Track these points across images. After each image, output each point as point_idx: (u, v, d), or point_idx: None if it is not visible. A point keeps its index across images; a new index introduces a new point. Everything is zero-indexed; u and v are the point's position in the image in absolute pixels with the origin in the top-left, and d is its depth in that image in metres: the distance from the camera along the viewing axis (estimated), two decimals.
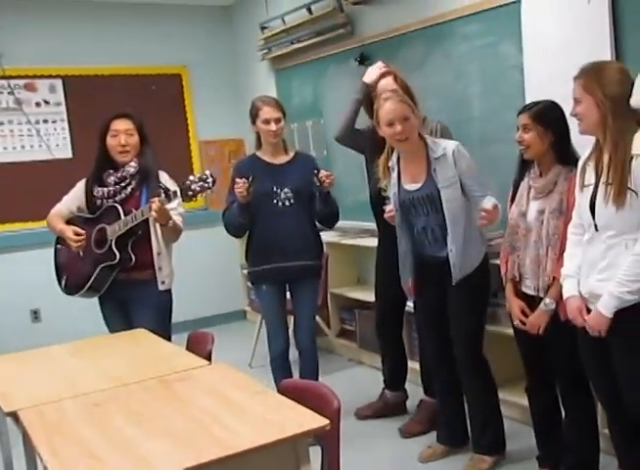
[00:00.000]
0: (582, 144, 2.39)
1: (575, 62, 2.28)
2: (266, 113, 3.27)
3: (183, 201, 2.99)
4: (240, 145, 5.94)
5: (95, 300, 3.32)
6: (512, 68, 3.39)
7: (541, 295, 2.53)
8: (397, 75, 3.25)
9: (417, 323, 3.40)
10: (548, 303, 2.49)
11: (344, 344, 4.72)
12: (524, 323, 2.59)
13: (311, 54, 4.88)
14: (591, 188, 2.24)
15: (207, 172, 2.96)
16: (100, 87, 5.30)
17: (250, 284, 4.13)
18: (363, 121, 3.49)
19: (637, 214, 2.11)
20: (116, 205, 3.14)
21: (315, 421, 1.81)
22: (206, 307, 5.66)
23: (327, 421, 1.80)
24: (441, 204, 2.78)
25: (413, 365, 3.69)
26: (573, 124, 2.37)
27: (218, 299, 5.80)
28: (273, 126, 3.27)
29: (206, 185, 2.92)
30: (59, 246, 3.39)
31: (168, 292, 3.26)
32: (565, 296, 2.35)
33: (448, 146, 2.78)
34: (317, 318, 4.06)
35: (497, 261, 2.79)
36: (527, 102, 2.75)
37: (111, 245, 3.11)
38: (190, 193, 2.92)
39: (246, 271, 3.84)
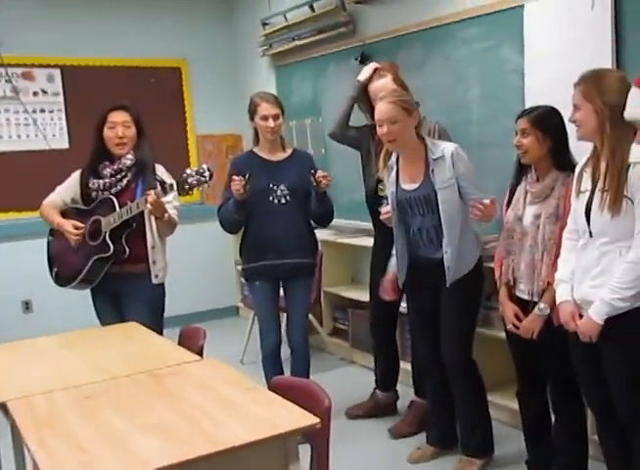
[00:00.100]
0: (580, 150, 2.40)
1: (576, 68, 2.29)
2: (264, 109, 3.26)
3: (179, 194, 2.98)
4: (237, 140, 5.92)
5: (87, 292, 3.31)
6: (512, 72, 3.39)
7: (535, 299, 2.54)
8: (397, 76, 3.26)
9: (410, 324, 3.40)
10: (542, 307, 2.49)
11: (337, 343, 4.72)
12: (517, 327, 2.59)
13: (312, 51, 4.88)
14: (587, 194, 2.25)
15: (205, 166, 2.95)
16: (98, 78, 5.28)
17: (243, 280, 4.12)
18: (362, 121, 3.49)
19: (632, 222, 2.12)
20: (112, 197, 3.13)
21: (306, 419, 1.81)
22: (199, 302, 5.65)
23: (317, 419, 1.80)
24: (438, 205, 2.78)
25: (405, 366, 3.69)
26: (572, 131, 2.39)
27: (211, 294, 5.79)
28: (271, 123, 3.26)
29: (203, 179, 2.92)
30: (52, 237, 3.38)
31: (161, 286, 3.25)
32: (558, 301, 2.36)
33: (447, 148, 2.78)
34: (310, 316, 4.05)
35: (492, 265, 2.79)
36: (527, 107, 2.76)
37: (105, 237, 3.10)
38: (186, 186, 2.91)
39: (240, 267, 3.83)
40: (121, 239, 3.11)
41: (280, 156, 3.37)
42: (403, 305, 3.43)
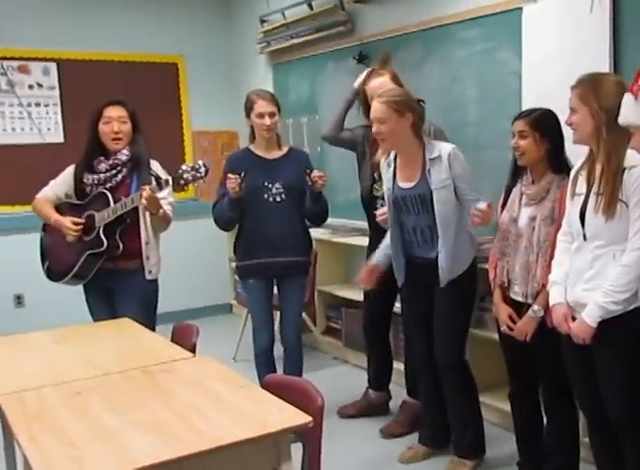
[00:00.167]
0: (576, 153, 2.40)
1: (574, 71, 2.30)
2: (261, 106, 3.25)
3: (175, 190, 2.98)
4: (233, 137, 5.91)
5: (79, 287, 3.30)
6: (510, 74, 3.40)
7: (529, 301, 2.54)
8: (394, 75, 3.27)
9: (404, 324, 3.41)
10: (536, 309, 2.50)
11: (330, 341, 4.72)
12: (511, 329, 2.59)
13: (310, 50, 4.87)
14: (582, 197, 2.26)
15: (200, 162, 2.94)
16: (94, 73, 5.25)
17: (237, 277, 4.12)
18: (358, 121, 3.49)
19: (626, 226, 2.13)
20: (106, 192, 3.12)
21: (298, 418, 1.81)
22: (192, 299, 5.64)
23: (310, 418, 1.80)
24: (433, 205, 2.78)
25: (398, 366, 3.70)
26: (567, 133, 2.39)
27: (205, 291, 5.78)
28: (267, 120, 3.25)
29: (199, 175, 2.91)
30: (44, 232, 3.36)
31: (155, 282, 3.24)
32: (551, 303, 2.37)
33: (445, 148, 2.78)
34: (303, 315, 4.05)
35: (486, 266, 2.80)
36: (524, 109, 2.76)
37: (98, 232, 3.09)
38: (182, 182, 2.90)
39: (234, 265, 3.83)
40: (115, 234, 3.10)
41: (276, 154, 3.36)
42: (397, 305, 3.44)
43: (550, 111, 2.53)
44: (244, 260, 3.39)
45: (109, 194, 3.10)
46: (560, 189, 2.48)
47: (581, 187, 2.27)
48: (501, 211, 2.68)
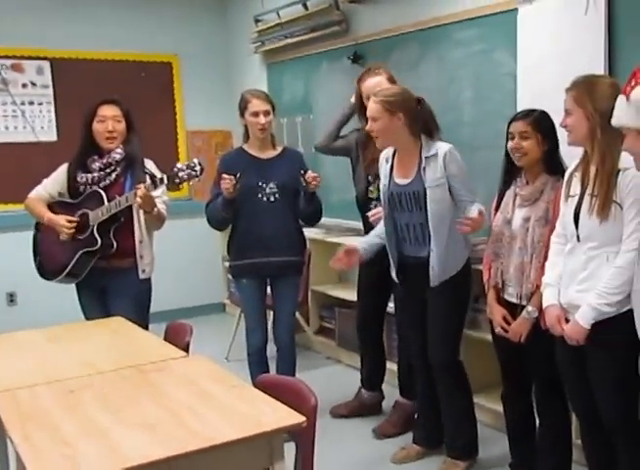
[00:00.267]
0: (571, 155, 2.41)
1: (569, 73, 2.30)
2: (255, 105, 3.25)
3: (169, 189, 2.97)
4: (227, 137, 5.91)
5: (72, 285, 3.29)
6: (505, 75, 3.40)
7: (524, 303, 2.54)
8: (391, 75, 3.28)
9: (398, 324, 3.41)
10: (531, 311, 2.50)
11: (323, 341, 4.71)
12: (506, 331, 2.59)
13: (305, 50, 4.87)
14: (576, 199, 2.26)
15: (195, 160, 2.94)
16: (89, 72, 5.24)
17: (230, 277, 4.11)
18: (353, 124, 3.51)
19: (620, 227, 2.14)
20: (100, 190, 3.11)
21: (292, 417, 1.81)
22: (186, 298, 5.63)
23: (303, 418, 1.80)
24: (426, 202, 2.79)
25: (390, 366, 3.70)
26: (561, 135, 2.40)
27: (198, 290, 5.77)
28: (262, 119, 3.25)
29: (194, 173, 2.91)
30: (37, 231, 3.35)
31: (148, 281, 3.24)
32: (544, 304, 2.37)
33: (441, 148, 2.79)
34: (297, 315, 4.04)
35: (480, 267, 2.80)
36: (519, 110, 2.77)
37: (92, 230, 3.09)
38: (177, 180, 2.90)
39: (227, 264, 3.82)
40: (109, 233, 3.09)
41: (270, 153, 3.36)
42: (391, 305, 3.44)
43: (545, 112, 2.54)
44: (237, 260, 3.38)
45: (103, 193, 3.09)
46: (554, 190, 2.48)
47: (575, 188, 2.28)
48: (494, 214, 2.69)
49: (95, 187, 3.13)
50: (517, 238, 2.55)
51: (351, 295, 3.99)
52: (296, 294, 3.52)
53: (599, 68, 2.84)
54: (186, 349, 2.54)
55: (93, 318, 3.11)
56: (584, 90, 2.20)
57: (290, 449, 1.93)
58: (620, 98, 1.98)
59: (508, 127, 2.56)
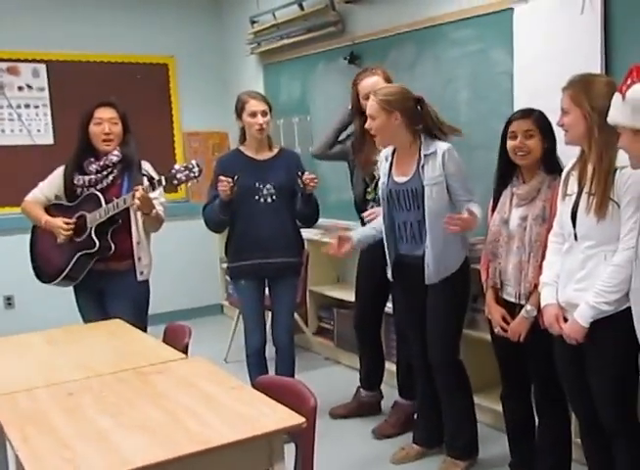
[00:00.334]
0: (567, 154, 2.41)
1: (565, 72, 2.30)
2: (253, 105, 3.25)
3: (167, 190, 2.97)
4: (224, 138, 5.90)
5: (70, 288, 3.28)
6: (502, 75, 3.40)
7: (522, 302, 2.54)
8: (387, 76, 3.28)
9: (396, 324, 3.41)
10: (529, 310, 2.50)
11: (322, 342, 4.71)
12: (505, 330, 2.59)
13: (301, 50, 4.87)
14: (573, 197, 2.26)
15: (194, 162, 2.94)
16: (85, 74, 5.23)
17: (228, 278, 4.11)
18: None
19: (617, 226, 2.13)
20: (97, 193, 3.11)
21: (291, 419, 1.81)
22: (184, 300, 5.62)
23: (303, 419, 1.80)
24: (424, 200, 2.79)
25: (389, 366, 3.70)
26: (558, 134, 2.40)
27: (196, 292, 5.76)
28: (260, 119, 3.25)
29: (192, 174, 2.91)
30: (34, 234, 3.34)
31: (146, 283, 3.24)
32: (542, 304, 2.37)
33: (440, 147, 2.80)
34: (295, 316, 4.05)
35: (478, 266, 2.80)
36: (515, 109, 2.77)
37: (90, 233, 3.08)
38: (175, 182, 2.90)
39: (225, 265, 3.82)
40: (107, 235, 3.09)
41: (266, 155, 3.36)
42: (389, 305, 3.44)
43: (542, 111, 2.53)
44: (235, 261, 3.38)
45: (100, 195, 3.09)
46: (551, 189, 2.48)
47: (573, 187, 2.28)
48: (491, 215, 2.69)
49: (92, 189, 3.13)
50: (514, 237, 2.56)
51: (349, 295, 3.99)
52: (294, 295, 3.52)
53: (595, 67, 2.85)
54: (185, 350, 2.53)
55: (91, 321, 3.10)
56: (581, 89, 2.20)
57: (289, 450, 1.93)
58: (616, 96, 1.98)
59: (506, 127, 2.55)
